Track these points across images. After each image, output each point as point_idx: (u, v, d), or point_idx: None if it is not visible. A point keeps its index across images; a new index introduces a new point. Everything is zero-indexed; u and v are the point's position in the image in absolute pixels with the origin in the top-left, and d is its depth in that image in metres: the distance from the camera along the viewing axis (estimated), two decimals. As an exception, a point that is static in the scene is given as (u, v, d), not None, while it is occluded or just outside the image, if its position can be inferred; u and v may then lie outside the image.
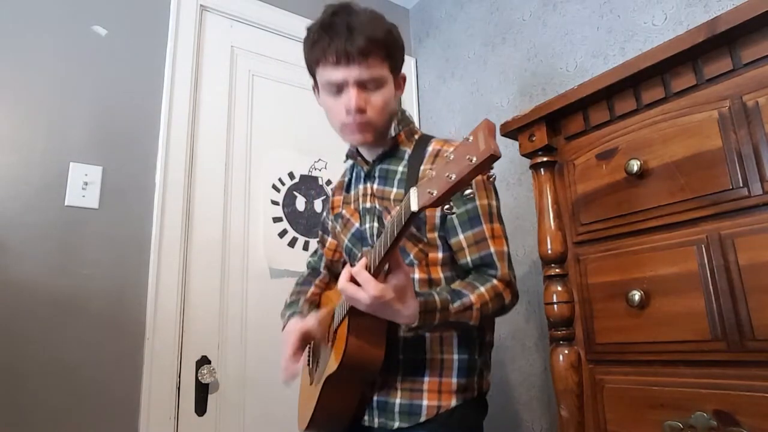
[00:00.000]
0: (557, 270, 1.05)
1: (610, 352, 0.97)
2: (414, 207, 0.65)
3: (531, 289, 1.61)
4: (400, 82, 1.06)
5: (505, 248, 0.97)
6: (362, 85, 0.95)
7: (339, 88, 0.96)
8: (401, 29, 1.04)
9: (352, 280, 0.80)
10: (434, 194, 0.62)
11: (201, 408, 1.48)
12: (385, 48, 0.96)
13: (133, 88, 1.56)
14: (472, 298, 0.88)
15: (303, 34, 1.02)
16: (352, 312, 0.86)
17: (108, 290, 1.40)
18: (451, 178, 0.59)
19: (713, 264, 0.83)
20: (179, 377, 1.46)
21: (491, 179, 0.63)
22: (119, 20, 1.58)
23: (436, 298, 0.85)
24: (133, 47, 1.59)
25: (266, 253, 1.71)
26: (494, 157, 0.55)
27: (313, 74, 1.03)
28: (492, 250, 0.95)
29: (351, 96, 0.94)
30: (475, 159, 0.55)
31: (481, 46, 1.95)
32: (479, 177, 0.97)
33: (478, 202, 0.96)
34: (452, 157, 0.60)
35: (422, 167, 0.98)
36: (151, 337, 1.43)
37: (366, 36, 0.92)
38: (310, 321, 1.04)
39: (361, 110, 0.95)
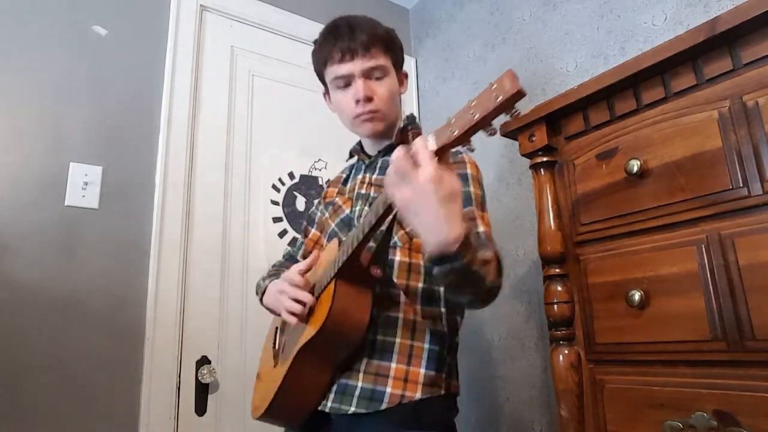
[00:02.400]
0: (557, 270, 1.05)
1: (610, 352, 0.97)
2: (432, 146, 0.64)
3: (531, 289, 1.61)
4: (402, 78, 1.12)
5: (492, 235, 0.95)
6: (368, 76, 1.03)
7: (346, 82, 1.04)
8: (401, 29, 1.07)
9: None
10: (455, 132, 0.61)
11: (201, 408, 1.48)
12: (384, 43, 1.05)
13: (133, 88, 1.56)
14: (490, 253, 0.80)
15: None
16: (340, 275, 0.86)
17: (108, 290, 1.40)
18: (474, 116, 0.59)
19: (713, 264, 0.83)
20: (179, 377, 1.46)
21: (515, 114, 0.61)
22: (119, 20, 1.58)
23: (472, 234, 0.73)
24: (133, 47, 1.59)
25: (267, 253, 1.71)
26: (521, 93, 0.56)
27: (322, 78, 1.11)
28: (481, 230, 0.93)
29: (358, 86, 1.02)
30: (501, 97, 0.57)
31: (481, 46, 1.95)
32: (474, 172, 1.01)
33: (471, 189, 0.98)
34: (474, 102, 0.60)
35: None
36: (151, 337, 1.43)
37: (366, 31, 1.02)
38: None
39: (368, 98, 1.02)
